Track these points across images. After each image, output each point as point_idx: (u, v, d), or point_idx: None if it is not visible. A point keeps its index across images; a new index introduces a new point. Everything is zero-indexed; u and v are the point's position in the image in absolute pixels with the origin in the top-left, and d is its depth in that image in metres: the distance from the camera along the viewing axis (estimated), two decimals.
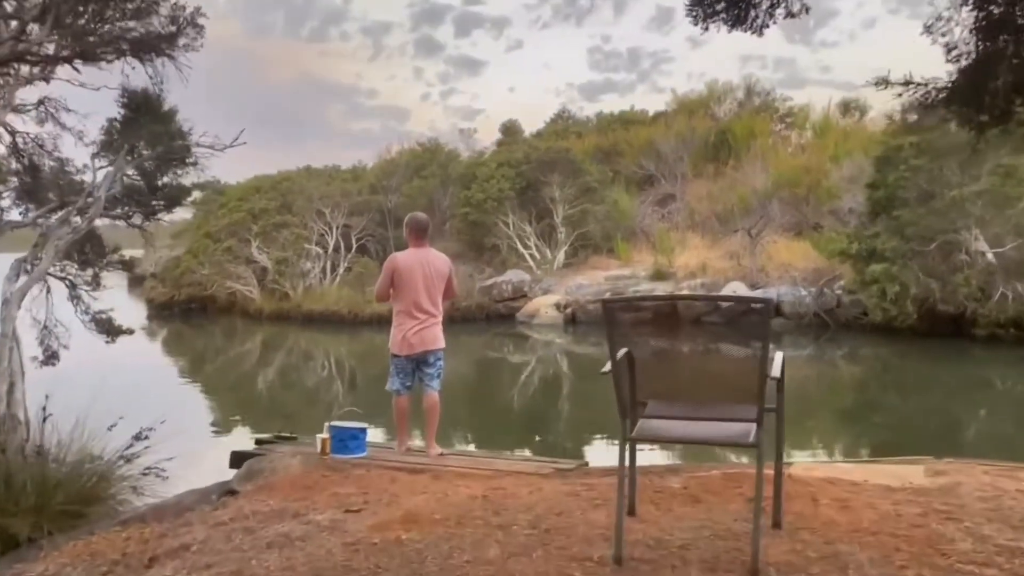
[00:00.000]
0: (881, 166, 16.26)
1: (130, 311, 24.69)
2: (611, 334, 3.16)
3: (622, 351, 3.20)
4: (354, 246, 22.14)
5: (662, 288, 18.68)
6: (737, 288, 17.89)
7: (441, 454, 5.76)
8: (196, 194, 6.76)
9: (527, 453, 10.10)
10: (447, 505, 3.69)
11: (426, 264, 5.71)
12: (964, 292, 14.67)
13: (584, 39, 78.98)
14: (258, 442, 6.38)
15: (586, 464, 5.74)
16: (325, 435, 5.61)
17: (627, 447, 3.25)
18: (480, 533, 3.28)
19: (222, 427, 11.38)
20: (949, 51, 3.28)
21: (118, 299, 25.63)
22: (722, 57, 71.15)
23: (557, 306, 18.78)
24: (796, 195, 20.75)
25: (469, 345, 17.46)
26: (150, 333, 23.03)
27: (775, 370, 3.10)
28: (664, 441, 3.61)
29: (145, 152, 6.17)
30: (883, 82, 3.27)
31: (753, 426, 2.99)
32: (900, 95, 3.37)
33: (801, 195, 20.94)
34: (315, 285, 21.34)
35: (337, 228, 21.87)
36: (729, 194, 22.04)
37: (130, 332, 6.70)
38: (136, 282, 30.90)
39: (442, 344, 5.78)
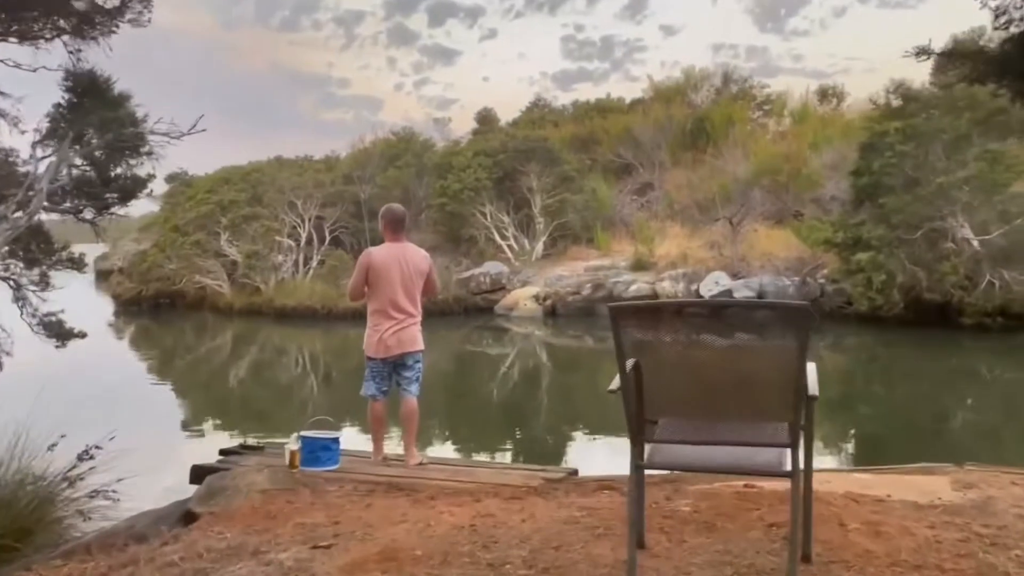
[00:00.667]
0: (866, 152, 15.99)
1: (97, 308, 23.96)
2: (619, 343, 2.71)
3: (630, 362, 2.77)
4: (327, 238, 21.52)
5: (643, 279, 18.36)
6: (719, 278, 17.59)
7: (421, 463, 5.34)
8: (153, 186, 6.21)
9: (508, 458, 9.74)
10: (429, 538, 3.24)
11: (404, 260, 5.28)
12: (951, 280, 14.45)
13: (558, 28, 78.28)
14: (222, 452, 5.91)
15: (575, 473, 5.35)
16: (294, 446, 5.14)
17: (637, 474, 2.82)
18: (468, 575, 2.85)
19: (193, 428, 10.93)
20: (997, 16, 2.86)
21: (83, 296, 24.99)
22: (694, 46, 70.97)
23: (536, 298, 18.34)
24: (777, 183, 20.47)
25: (447, 339, 16.98)
26: (117, 330, 22.29)
27: (812, 385, 2.67)
28: (681, 469, 3.18)
29: (94, 140, 5.61)
30: (924, 52, 2.85)
31: (785, 452, 2.58)
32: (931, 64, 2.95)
33: (782, 183, 20.66)
34: (287, 279, 20.72)
35: (310, 220, 21.24)
36: (709, 182, 21.71)
37: (82, 335, 6.17)
38: (104, 276, 30.04)
39: (421, 346, 5.37)
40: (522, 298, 18.33)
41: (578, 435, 10.41)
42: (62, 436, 4.53)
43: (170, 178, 25.57)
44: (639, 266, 18.97)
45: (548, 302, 18.22)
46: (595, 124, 27.96)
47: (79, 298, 25.25)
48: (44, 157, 5.50)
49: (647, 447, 2.80)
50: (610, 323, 2.66)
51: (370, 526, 3.50)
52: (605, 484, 4.49)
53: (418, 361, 5.38)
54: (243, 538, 3.45)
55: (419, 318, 5.39)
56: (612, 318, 2.67)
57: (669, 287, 17.76)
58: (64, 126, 5.49)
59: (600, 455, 9.57)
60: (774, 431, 2.63)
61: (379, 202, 22.58)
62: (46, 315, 6.13)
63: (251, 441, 5.96)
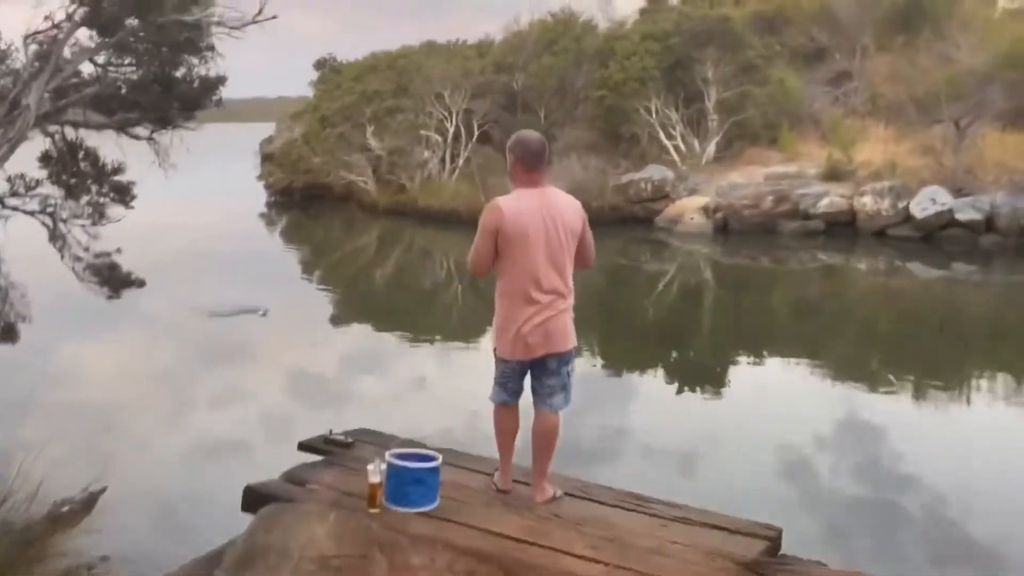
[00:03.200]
0: None
1: (256, 195, 23.96)
2: None
3: None
4: (476, 133, 19.90)
5: (838, 191, 15.47)
6: (937, 195, 14.45)
7: (554, 497, 3.79)
8: (223, 90, 4.80)
9: (660, 378, 8.33)
10: None
11: (549, 216, 3.56)
12: None
13: None
14: (302, 447, 4.59)
15: (777, 542, 3.61)
16: (375, 478, 3.67)
17: None
18: None
19: (341, 321, 11.17)
20: None
21: (244, 182, 25.13)
22: None
23: (705, 210, 15.92)
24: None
25: (599, 251, 15.13)
26: (268, 222, 22.27)
27: None
28: None
29: (132, 36, 4.18)
30: None
31: None
32: None
33: None
34: (433, 176, 19.45)
35: (457, 113, 19.64)
36: (927, 73, 17.89)
37: (140, 284, 4.99)
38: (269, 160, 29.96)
39: (574, 342, 3.75)
40: (688, 210, 15.98)
41: (742, 359, 9.28)
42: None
43: (318, 64, 24.67)
44: (833, 175, 16.00)
45: (719, 215, 15.78)
46: (785, 0, 23.99)
47: (239, 184, 25.52)
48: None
49: None
50: None
51: None
52: None
53: (569, 363, 3.76)
54: None
55: (572, 301, 3.72)
56: None
57: (871, 203, 14.85)
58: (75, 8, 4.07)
59: (762, 377, 8.45)
60: None
61: (532, 93, 20.71)
62: (98, 256, 4.96)
63: (338, 435, 4.57)
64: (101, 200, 4.93)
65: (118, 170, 4.96)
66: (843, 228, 15.08)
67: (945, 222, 14.17)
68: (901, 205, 14.58)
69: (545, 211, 3.57)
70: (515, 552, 3.31)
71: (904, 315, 11.68)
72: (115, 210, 5.12)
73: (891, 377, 8.43)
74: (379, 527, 3.47)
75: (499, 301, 3.69)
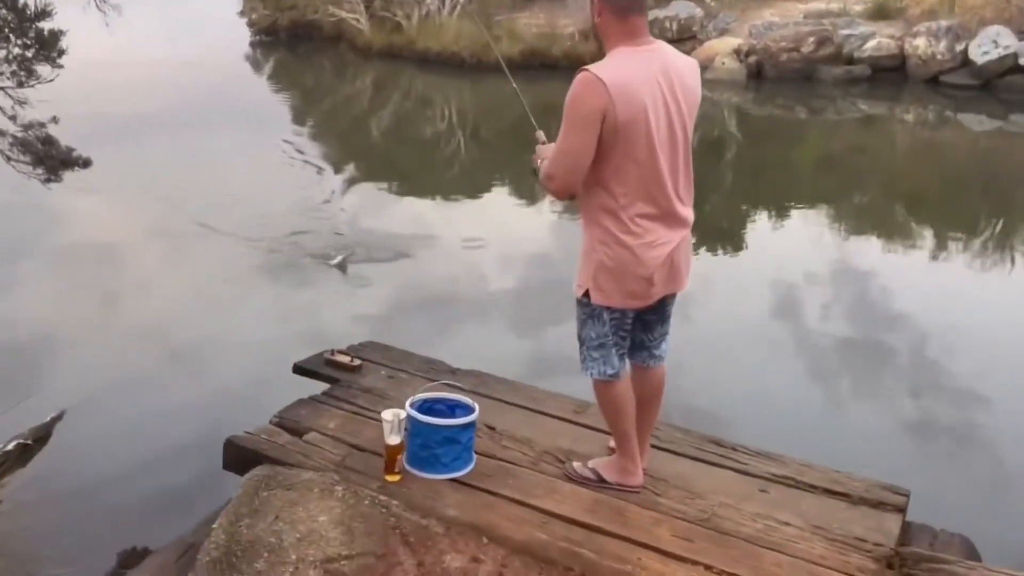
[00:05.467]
0: None
1: (238, 34, 21.98)
2: None
3: None
4: None
5: (886, 32, 13.83)
6: (999, 36, 12.89)
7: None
8: None
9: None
10: None
11: (670, 89, 2.44)
12: None
13: None
14: (297, 369, 3.73)
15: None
16: (394, 438, 2.81)
17: None
18: None
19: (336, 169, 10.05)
20: None
21: (226, 21, 23.14)
22: None
23: (737, 53, 14.30)
24: None
25: None
26: (254, 64, 20.54)
27: None
28: None
29: None
30: None
31: None
32: None
33: None
34: (432, 14, 17.57)
35: None
36: None
37: (85, 164, 3.92)
38: None
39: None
40: (719, 53, 14.34)
41: (755, 215, 8.68)
42: None
43: None
44: (881, 13, 14.26)
45: (752, 60, 14.19)
46: None
47: (219, 22, 23.43)
48: None
49: None
50: None
51: None
52: None
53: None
54: None
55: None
56: None
57: (924, 46, 13.27)
58: None
59: (772, 231, 8.03)
60: None
61: None
62: (27, 128, 3.84)
63: (341, 358, 3.69)
64: (27, 54, 3.78)
65: (44, 14, 3.75)
66: (891, 74, 13.56)
67: (1007, 68, 12.69)
68: (959, 48, 13.03)
69: (663, 80, 2.42)
70: (588, 548, 2.50)
71: (949, 172, 10.63)
72: (47, 68, 3.97)
73: (927, 239, 7.92)
74: (401, 508, 2.65)
75: (596, 225, 2.54)
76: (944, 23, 13.33)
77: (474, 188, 9.84)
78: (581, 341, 2.68)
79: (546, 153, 2.61)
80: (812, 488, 2.93)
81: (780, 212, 8.77)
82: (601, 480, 2.79)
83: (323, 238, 7.14)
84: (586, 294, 2.59)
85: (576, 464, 2.87)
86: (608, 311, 2.60)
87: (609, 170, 2.44)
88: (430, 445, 2.82)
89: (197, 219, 7.39)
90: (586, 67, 2.41)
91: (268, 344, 4.97)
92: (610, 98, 2.34)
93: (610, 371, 2.66)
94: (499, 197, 9.44)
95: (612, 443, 2.99)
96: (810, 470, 3.06)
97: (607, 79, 2.35)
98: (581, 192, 2.53)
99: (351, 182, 9.75)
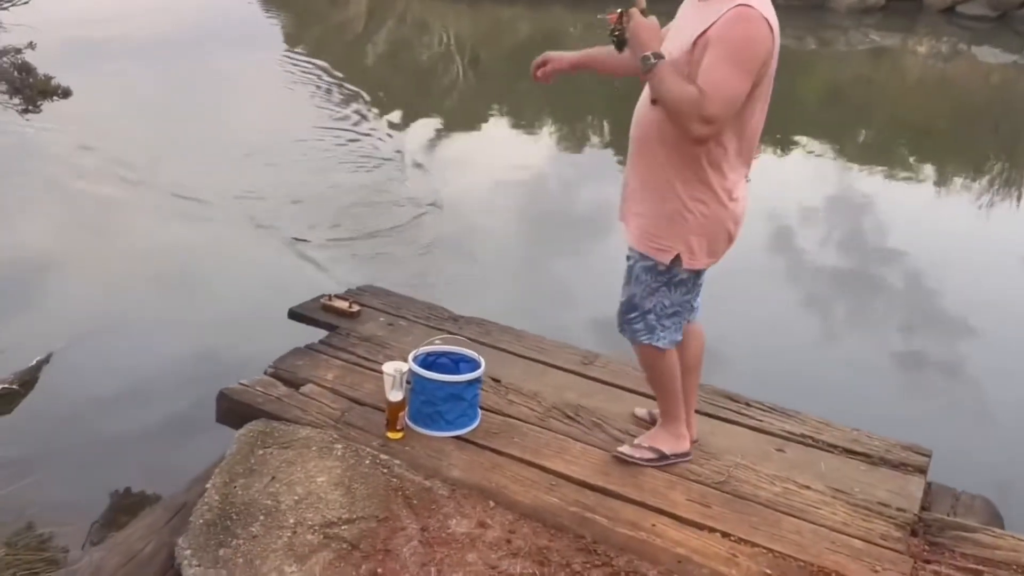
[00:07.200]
0: None
1: None
2: None
3: None
4: None
5: None
6: None
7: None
8: None
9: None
10: None
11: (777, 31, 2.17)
12: None
13: None
14: (292, 315, 3.58)
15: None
16: (396, 395, 2.67)
17: None
18: None
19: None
20: None
21: None
22: None
23: None
24: None
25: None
26: None
27: None
28: None
29: None
30: None
31: None
32: None
33: None
34: None
35: None
36: None
37: (64, 94, 3.65)
38: None
39: None
40: None
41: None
42: None
43: None
44: None
45: None
46: None
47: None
48: None
49: None
50: None
51: None
52: None
53: None
54: None
55: None
56: None
57: None
58: None
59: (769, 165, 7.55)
60: None
61: None
62: (2, 54, 3.55)
63: (338, 303, 3.53)
64: None
65: None
66: (906, 3, 13.13)
67: None
68: None
69: (775, 22, 2.16)
70: (599, 514, 2.39)
71: (959, 107, 10.33)
72: None
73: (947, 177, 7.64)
74: (404, 468, 2.53)
75: (696, 181, 2.25)
76: None
77: (473, 117, 9.52)
78: (646, 310, 2.41)
79: (644, 33, 2.14)
80: (831, 448, 2.82)
81: (773, 145, 8.48)
82: (662, 456, 2.59)
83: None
84: (675, 260, 2.33)
85: (626, 448, 2.62)
86: (695, 274, 2.40)
87: (735, 121, 2.18)
88: (434, 402, 2.68)
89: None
90: (746, 2, 2.09)
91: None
92: (773, 44, 2.12)
93: (679, 338, 2.48)
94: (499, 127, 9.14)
95: (640, 411, 2.87)
96: (828, 428, 2.94)
97: (771, 22, 2.11)
98: (686, 145, 2.19)
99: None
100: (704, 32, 2.11)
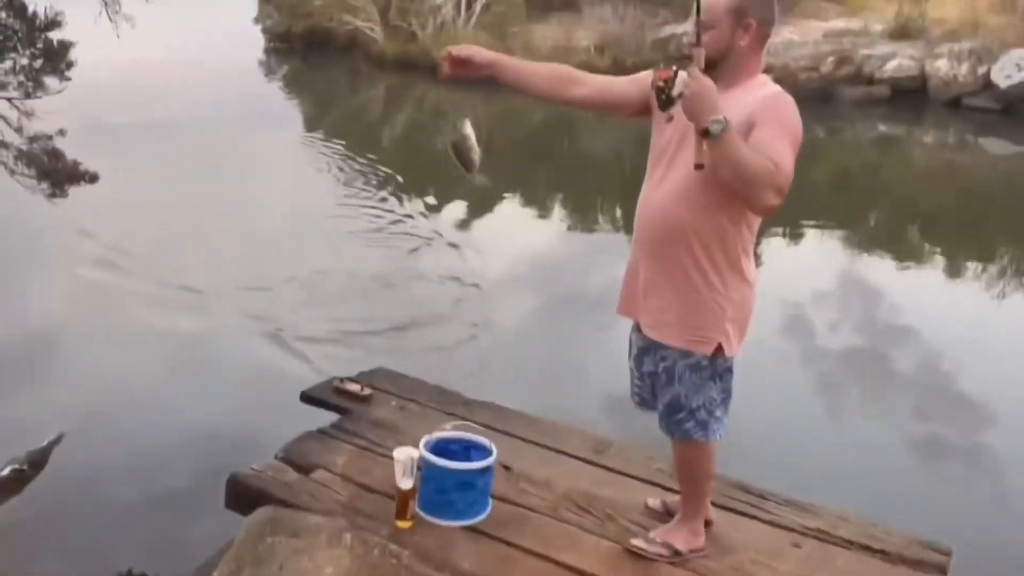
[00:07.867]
0: None
1: (251, 40, 21.95)
2: None
3: None
4: None
5: (907, 52, 13.68)
6: (1022, 59, 12.74)
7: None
8: None
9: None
10: None
11: None
12: None
13: None
14: (304, 398, 3.58)
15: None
16: (405, 482, 2.65)
17: None
18: None
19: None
20: None
21: (240, 27, 23.11)
22: None
23: None
24: None
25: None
26: (268, 69, 20.50)
27: None
28: None
29: None
30: None
31: None
32: None
33: None
34: (448, 24, 17.51)
35: None
36: None
37: (91, 179, 3.78)
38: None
39: None
40: None
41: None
42: None
43: None
44: (903, 34, 14.13)
45: (771, 78, 14.08)
46: None
47: (233, 29, 23.41)
48: None
49: None
50: None
51: None
52: None
53: None
54: None
55: None
56: None
57: (946, 68, 13.13)
58: None
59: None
60: None
61: None
62: (33, 140, 3.71)
63: (350, 387, 3.54)
64: (35, 64, 3.65)
65: (54, 23, 3.62)
66: (912, 96, 13.42)
67: None
68: (981, 71, 12.88)
69: None
70: None
71: (967, 195, 10.44)
72: (55, 81, 3.83)
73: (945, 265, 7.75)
74: (413, 559, 2.49)
75: (731, 269, 2.28)
76: (967, 45, 13.18)
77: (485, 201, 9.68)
78: (694, 408, 2.36)
79: (713, 95, 2.02)
80: (848, 544, 2.76)
81: (783, 227, 8.54)
82: (676, 553, 2.53)
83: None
84: (717, 350, 2.32)
85: (640, 542, 2.56)
86: (726, 361, 2.37)
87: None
88: (444, 490, 2.66)
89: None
90: (782, 90, 2.21)
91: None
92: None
93: (721, 430, 2.44)
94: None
95: (652, 502, 2.82)
96: (844, 522, 2.88)
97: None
98: (723, 231, 2.22)
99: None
100: (745, 115, 2.11)
